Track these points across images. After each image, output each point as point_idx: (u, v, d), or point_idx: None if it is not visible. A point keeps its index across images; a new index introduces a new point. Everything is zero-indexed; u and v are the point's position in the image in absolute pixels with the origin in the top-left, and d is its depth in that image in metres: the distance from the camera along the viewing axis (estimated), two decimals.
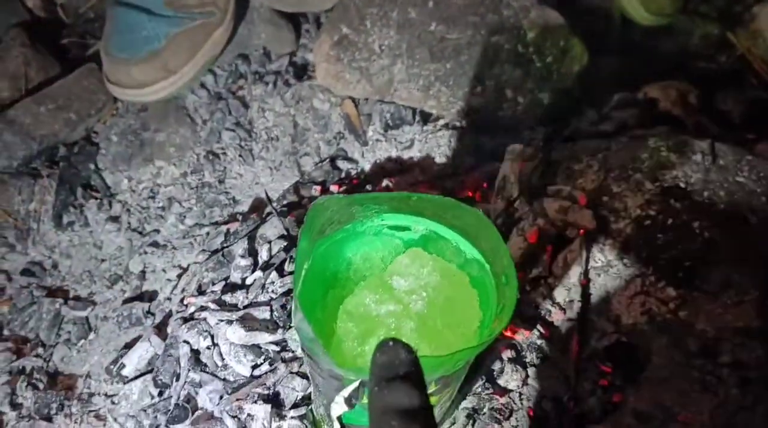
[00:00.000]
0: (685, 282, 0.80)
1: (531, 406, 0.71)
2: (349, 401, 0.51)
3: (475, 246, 0.61)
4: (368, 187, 0.97)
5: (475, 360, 0.60)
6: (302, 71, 1.17)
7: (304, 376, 0.73)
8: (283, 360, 0.75)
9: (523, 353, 0.75)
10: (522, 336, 0.76)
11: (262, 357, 0.76)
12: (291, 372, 0.74)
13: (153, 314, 0.92)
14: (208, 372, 0.77)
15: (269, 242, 0.88)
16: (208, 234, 1.01)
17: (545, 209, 0.86)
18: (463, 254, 0.62)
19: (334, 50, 1.07)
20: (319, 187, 0.99)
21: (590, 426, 0.70)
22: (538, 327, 0.77)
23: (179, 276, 0.96)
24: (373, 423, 0.38)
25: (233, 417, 0.72)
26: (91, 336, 0.94)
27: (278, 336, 0.77)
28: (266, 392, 0.73)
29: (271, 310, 0.79)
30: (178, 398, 0.76)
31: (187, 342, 0.79)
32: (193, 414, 0.75)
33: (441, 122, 1.06)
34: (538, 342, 0.76)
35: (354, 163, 1.06)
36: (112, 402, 0.84)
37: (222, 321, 0.79)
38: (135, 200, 1.07)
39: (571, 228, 0.85)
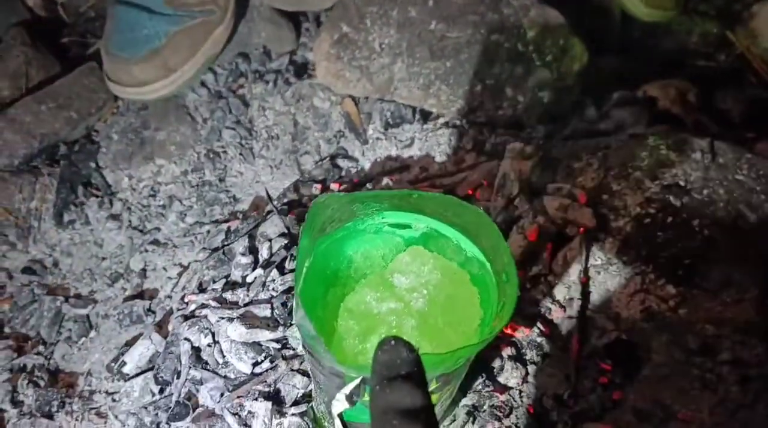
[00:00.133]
0: (684, 280, 0.80)
1: (531, 404, 0.72)
2: (351, 398, 0.51)
3: (475, 244, 0.61)
4: (368, 186, 0.97)
5: (476, 358, 0.60)
6: (302, 70, 1.17)
7: (304, 373, 0.74)
8: (284, 358, 0.76)
9: (523, 351, 0.75)
10: (522, 334, 0.76)
11: (263, 354, 0.76)
12: (292, 370, 0.74)
13: (154, 312, 0.92)
14: (208, 370, 0.77)
15: (270, 240, 0.88)
16: (208, 232, 1.01)
17: (545, 207, 0.86)
18: (463, 252, 0.62)
19: (335, 49, 1.08)
20: (319, 186, 0.99)
21: (590, 423, 0.71)
22: (538, 324, 0.77)
23: (180, 274, 0.96)
24: (375, 422, 0.38)
25: (234, 414, 0.72)
26: (92, 334, 0.94)
27: (279, 333, 0.77)
28: (267, 389, 0.73)
29: (272, 308, 0.79)
30: (179, 395, 0.76)
31: (188, 340, 0.80)
32: (193, 411, 0.75)
33: (441, 120, 1.06)
34: (538, 339, 0.76)
35: (354, 161, 1.06)
36: (113, 400, 0.84)
37: (223, 318, 0.79)
38: (136, 198, 1.07)
39: (571, 226, 0.85)
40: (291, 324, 0.78)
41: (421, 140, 1.04)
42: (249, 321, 0.77)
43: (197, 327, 0.80)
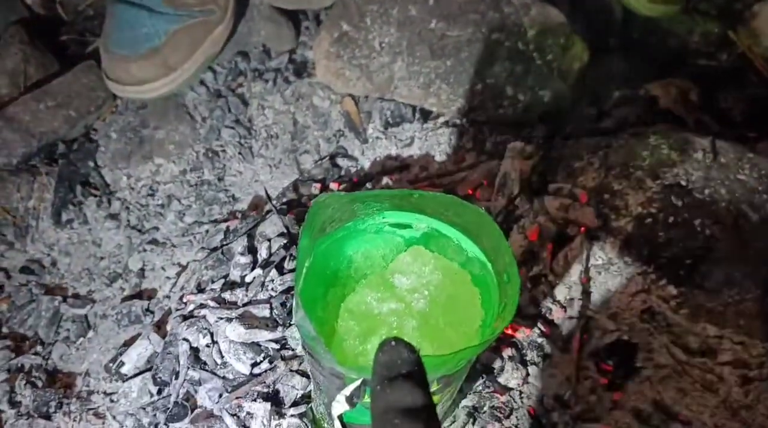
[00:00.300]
0: (686, 280, 0.80)
1: (531, 405, 0.71)
2: (351, 400, 0.51)
3: (476, 244, 0.61)
4: (368, 185, 0.97)
5: (476, 359, 0.60)
6: (302, 68, 1.16)
7: (303, 374, 0.73)
8: (283, 358, 0.75)
9: (524, 351, 0.75)
10: (523, 335, 0.76)
11: (262, 355, 0.76)
12: (291, 370, 0.74)
13: (152, 312, 0.92)
14: (207, 370, 0.77)
15: (269, 240, 0.88)
16: (207, 231, 1.00)
17: (546, 207, 0.86)
18: (464, 252, 0.62)
19: (334, 47, 1.07)
20: (318, 185, 0.99)
21: (590, 424, 0.70)
22: (539, 325, 0.77)
23: (178, 274, 0.96)
24: (376, 421, 0.38)
25: (232, 415, 0.72)
26: (90, 334, 0.93)
27: (278, 334, 0.77)
28: (266, 390, 0.73)
29: (271, 308, 0.79)
30: (178, 396, 0.76)
31: (187, 340, 0.79)
32: (192, 412, 0.75)
33: (441, 120, 1.05)
34: (539, 340, 0.76)
35: (354, 160, 1.06)
36: (111, 400, 0.84)
37: (221, 318, 0.79)
38: (134, 198, 1.07)
39: (572, 225, 0.85)
40: (290, 325, 0.78)
41: (421, 139, 1.04)
42: (248, 321, 0.77)
43: (196, 327, 0.80)
